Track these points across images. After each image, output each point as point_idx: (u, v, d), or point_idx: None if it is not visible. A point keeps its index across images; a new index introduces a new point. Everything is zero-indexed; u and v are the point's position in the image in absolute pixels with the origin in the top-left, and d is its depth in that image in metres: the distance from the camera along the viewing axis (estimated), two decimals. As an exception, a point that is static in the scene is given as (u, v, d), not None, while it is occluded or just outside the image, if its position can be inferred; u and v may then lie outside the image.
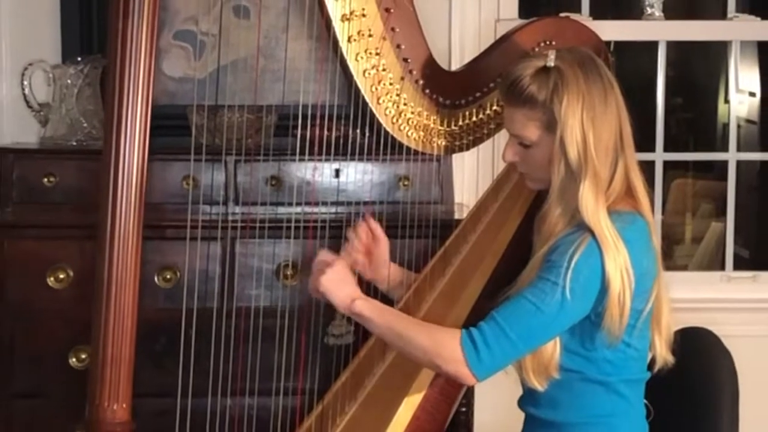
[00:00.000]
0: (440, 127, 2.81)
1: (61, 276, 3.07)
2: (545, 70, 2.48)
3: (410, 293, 2.79)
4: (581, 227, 2.41)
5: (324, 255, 2.60)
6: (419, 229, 2.93)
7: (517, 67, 2.53)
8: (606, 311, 2.40)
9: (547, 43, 2.75)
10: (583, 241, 2.38)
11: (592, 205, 2.40)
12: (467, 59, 2.96)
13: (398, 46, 2.74)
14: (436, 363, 2.43)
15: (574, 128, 2.43)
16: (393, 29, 2.72)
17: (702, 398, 2.60)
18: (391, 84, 2.75)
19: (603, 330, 2.43)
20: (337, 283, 2.52)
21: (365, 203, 3.11)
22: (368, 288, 2.66)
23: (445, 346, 2.40)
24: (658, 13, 3.78)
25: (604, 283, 2.38)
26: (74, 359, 3.08)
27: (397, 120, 2.77)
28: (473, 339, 2.38)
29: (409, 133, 2.79)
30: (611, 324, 2.41)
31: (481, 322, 2.41)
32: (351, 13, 2.67)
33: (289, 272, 3.09)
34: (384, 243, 2.79)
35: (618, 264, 2.38)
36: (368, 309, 2.49)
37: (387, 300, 2.73)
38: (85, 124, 3.36)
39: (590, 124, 2.43)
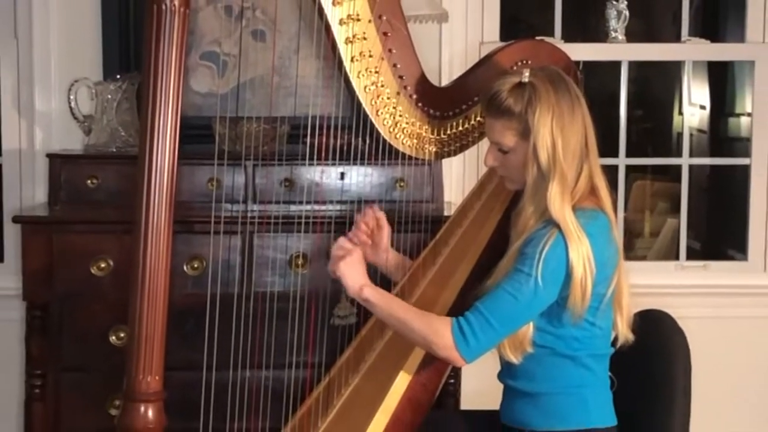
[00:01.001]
0: (431, 136, 2.82)
1: (103, 265, 3.07)
2: (521, 85, 2.49)
3: (405, 279, 2.80)
4: (550, 222, 2.43)
5: (344, 242, 2.61)
6: (413, 224, 2.93)
7: (496, 83, 2.54)
8: (570, 294, 2.41)
9: (524, 62, 2.74)
10: (551, 235, 2.40)
11: (558, 203, 2.42)
12: (455, 76, 2.95)
13: (395, 65, 2.74)
14: (431, 348, 2.45)
15: (545, 136, 2.44)
16: (390, 50, 2.72)
17: (659, 371, 2.60)
18: (388, 98, 2.75)
19: (568, 311, 2.44)
20: (352, 269, 2.53)
21: (366, 202, 3.11)
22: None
23: (439, 335, 2.42)
24: (621, 36, 3.78)
25: (568, 270, 2.40)
26: (114, 337, 3.08)
27: (394, 129, 2.78)
28: (462, 329, 2.40)
29: (404, 141, 2.80)
30: (574, 305, 2.42)
31: (467, 312, 2.43)
32: (354, 36, 2.67)
33: (300, 262, 3.09)
34: (386, 230, 2.79)
35: (580, 254, 2.40)
36: (374, 296, 2.50)
37: (386, 281, 2.75)
38: (123, 133, 3.36)
39: (559, 133, 2.45)
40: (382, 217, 2.79)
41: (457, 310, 2.53)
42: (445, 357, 2.46)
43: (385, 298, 2.53)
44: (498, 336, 2.43)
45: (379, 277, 2.70)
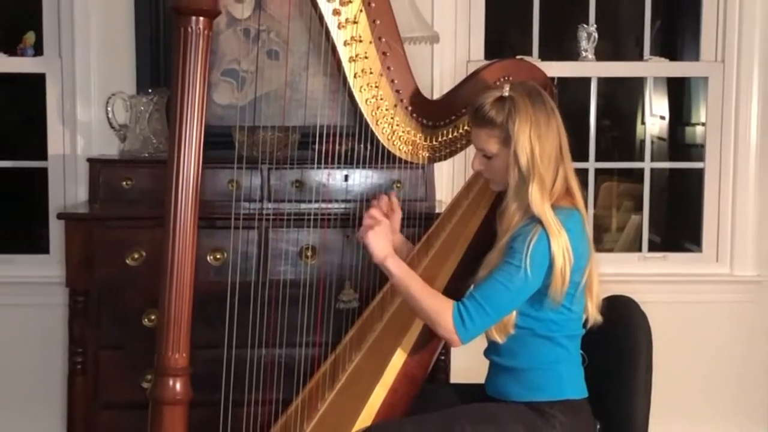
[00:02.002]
0: (424, 143, 2.81)
1: (136, 256, 3.06)
2: (502, 99, 2.49)
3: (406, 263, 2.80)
4: (533, 219, 2.43)
5: (375, 212, 2.61)
6: (409, 220, 2.92)
7: (481, 97, 2.54)
8: (552, 282, 2.42)
9: (506, 78, 2.73)
10: (536, 231, 2.41)
11: (538, 201, 2.42)
12: (445, 91, 2.95)
13: (392, 81, 2.73)
14: (433, 327, 2.47)
15: (524, 143, 2.45)
16: (388, 68, 2.72)
17: (624, 349, 2.60)
18: (386, 110, 2.75)
19: (549, 297, 2.44)
20: (378, 239, 2.53)
21: (367, 201, 3.11)
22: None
23: (441, 317, 2.43)
24: (590, 56, 3.78)
25: (550, 261, 2.40)
26: (146, 320, 3.07)
27: (392, 137, 2.78)
28: (461, 314, 2.42)
29: (401, 147, 2.79)
30: (555, 292, 2.42)
31: (465, 300, 2.44)
32: (356, 56, 2.67)
33: (309, 253, 3.08)
34: (398, 214, 2.80)
35: (560, 246, 2.40)
36: (395, 266, 2.51)
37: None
38: (154, 141, 3.36)
39: (536, 140, 2.45)
40: (395, 201, 2.81)
41: (449, 294, 2.53)
42: (444, 337, 2.48)
43: (404, 271, 2.52)
44: (491, 320, 2.44)
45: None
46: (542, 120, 2.47)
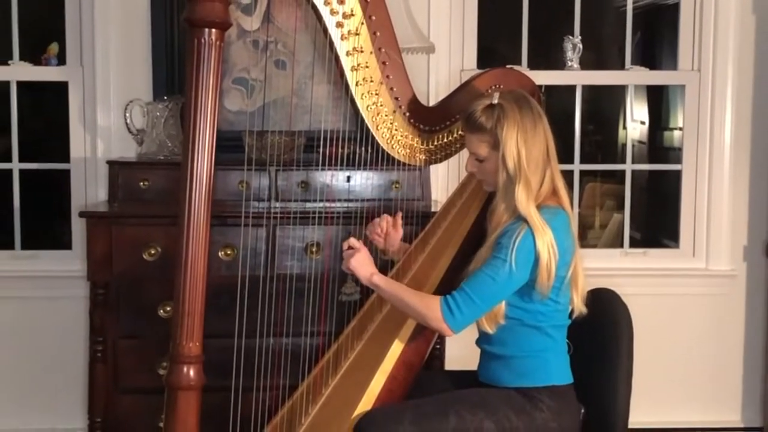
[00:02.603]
0: (421, 146, 2.81)
1: (152, 251, 3.06)
2: (492, 106, 2.49)
3: (401, 263, 2.80)
4: (520, 218, 2.43)
5: (353, 242, 2.61)
6: (407, 218, 2.91)
7: (472, 105, 2.54)
8: (538, 276, 2.42)
9: (497, 86, 2.72)
10: (522, 229, 2.41)
11: (524, 202, 2.43)
12: (440, 98, 2.95)
13: (391, 89, 2.73)
14: (425, 321, 2.47)
15: (512, 147, 2.45)
16: (388, 76, 2.72)
17: (607, 338, 2.59)
18: (386, 116, 2.74)
19: (536, 289, 2.44)
20: (361, 263, 2.56)
21: (368, 200, 3.11)
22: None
23: (431, 310, 2.44)
24: (576, 65, 3.78)
25: (536, 256, 2.40)
26: (162, 311, 3.07)
27: (391, 141, 2.77)
28: (449, 305, 2.42)
29: (399, 150, 2.79)
30: (541, 285, 2.43)
31: (454, 292, 2.44)
32: (358, 65, 2.67)
33: (314, 249, 3.09)
34: (400, 232, 2.81)
35: (545, 242, 2.40)
36: (382, 282, 2.53)
37: (384, 264, 2.74)
38: (169, 144, 3.36)
39: (523, 144, 2.45)
40: (399, 221, 2.80)
41: (444, 287, 2.54)
42: (436, 328, 2.47)
43: (389, 283, 2.55)
44: (479, 311, 2.44)
45: (379, 260, 2.69)
46: (529, 126, 2.47)
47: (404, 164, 2.83)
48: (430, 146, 2.82)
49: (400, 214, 2.81)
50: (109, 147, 3.60)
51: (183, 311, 2.16)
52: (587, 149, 5.00)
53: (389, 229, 2.79)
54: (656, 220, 5.25)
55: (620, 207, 4.56)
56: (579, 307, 2.55)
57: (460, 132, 2.75)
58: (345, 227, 3.04)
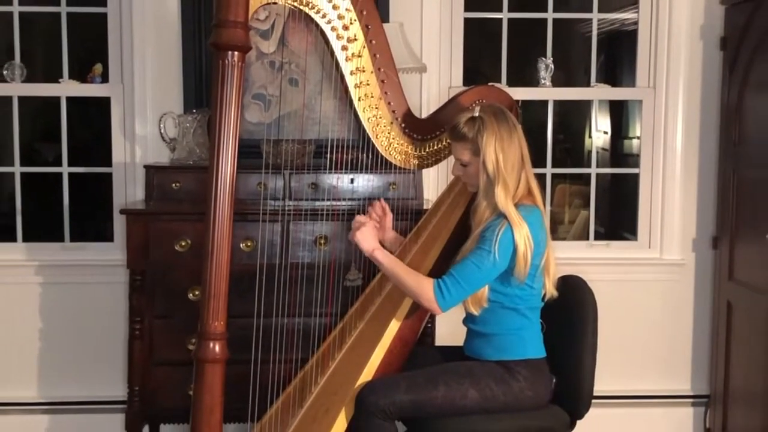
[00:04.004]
0: (414, 153, 2.81)
1: (183, 243, 3.06)
2: (473, 118, 2.50)
3: (397, 252, 2.80)
4: (501, 215, 2.44)
5: (360, 217, 2.62)
6: (402, 215, 2.93)
7: (457, 117, 2.55)
8: (516, 264, 2.42)
9: (480, 101, 2.73)
10: (503, 224, 2.42)
11: (503, 200, 2.44)
12: (431, 111, 2.95)
13: (389, 103, 2.74)
14: (418, 299, 2.48)
15: (490, 153, 2.46)
16: (386, 92, 2.72)
17: (575, 318, 2.61)
18: (384, 126, 2.75)
19: (514, 276, 2.45)
20: (366, 237, 2.56)
21: (369, 199, 3.11)
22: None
23: (424, 290, 2.45)
24: (548, 83, 3.78)
25: (514, 247, 2.41)
26: (191, 294, 3.07)
27: (388, 148, 2.78)
28: (440, 288, 2.43)
29: (396, 156, 2.79)
30: (518, 272, 2.43)
31: (444, 276, 2.45)
32: (360, 83, 2.68)
33: (322, 241, 3.08)
34: (389, 217, 2.82)
35: (522, 235, 2.40)
36: (383, 257, 2.54)
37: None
38: (197, 151, 3.35)
39: (500, 151, 2.46)
40: (386, 207, 2.81)
41: (434, 272, 2.54)
42: (427, 307, 2.48)
43: (390, 260, 2.55)
44: (465, 293, 2.45)
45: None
46: (506, 135, 2.47)
47: (400, 168, 2.83)
48: (422, 153, 2.82)
49: (382, 200, 2.81)
50: (146, 153, 3.59)
51: (209, 294, 2.16)
52: (558, 155, 5.00)
53: (381, 216, 2.79)
54: (617, 216, 5.25)
55: (586, 205, 4.56)
56: (551, 291, 2.56)
57: (448, 140, 2.75)
58: (349, 222, 3.03)
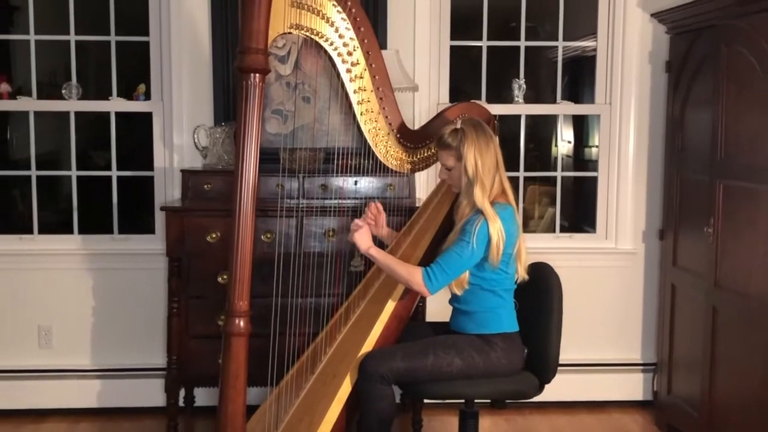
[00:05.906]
0: (408, 159, 2.80)
1: (214, 235, 3.06)
2: (456, 130, 2.50)
3: (392, 245, 2.80)
4: (479, 211, 2.43)
5: (357, 221, 2.62)
6: (398, 211, 2.93)
7: (442, 129, 2.56)
8: (490, 252, 2.42)
9: (464, 115, 2.73)
10: (480, 219, 2.42)
11: (480, 198, 2.44)
12: (422, 123, 2.94)
13: (386, 117, 2.73)
14: (409, 285, 2.49)
15: (471, 159, 2.46)
16: (384, 108, 2.71)
17: (544, 298, 2.61)
18: (382, 137, 2.74)
19: (489, 262, 2.45)
20: (362, 237, 2.56)
21: (370, 198, 3.10)
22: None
23: (414, 277, 2.45)
24: (521, 100, 3.77)
25: (489, 238, 2.40)
26: (220, 278, 3.07)
27: (386, 155, 2.77)
28: (429, 274, 2.43)
29: (392, 162, 2.78)
30: (492, 259, 2.43)
31: (432, 264, 2.45)
32: (362, 100, 2.67)
33: (331, 234, 3.08)
34: (383, 215, 2.80)
35: (496, 228, 2.40)
36: (377, 253, 2.54)
37: (382, 245, 2.74)
38: (226, 158, 3.34)
39: (479, 157, 2.46)
40: (380, 206, 2.79)
41: (425, 260, 2.54)
42: (417, 291, 2.48)
43: (383, 255, 2.54)
44: (449, 278, 2.45)
45: (377, 243, 2.69)
46: (483, 143, 2.48)
47: (396, 172, 2.83)
48: (415, 159, 2.81)
49: (377, 202, 2.80)
50: (182, 159, 3.58)
51: (235, 278, 2.16)
52: (529, 161, 4.99)
53: (376, 214, 2.78)
54: (579, 212, 5.24)
55: (553, 203, 4.55)
56: (522, 275, 2.55)
57: (436, 148, 2.75)
58: (353, 218, 3.03)
